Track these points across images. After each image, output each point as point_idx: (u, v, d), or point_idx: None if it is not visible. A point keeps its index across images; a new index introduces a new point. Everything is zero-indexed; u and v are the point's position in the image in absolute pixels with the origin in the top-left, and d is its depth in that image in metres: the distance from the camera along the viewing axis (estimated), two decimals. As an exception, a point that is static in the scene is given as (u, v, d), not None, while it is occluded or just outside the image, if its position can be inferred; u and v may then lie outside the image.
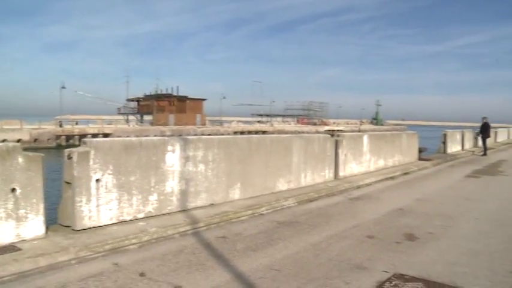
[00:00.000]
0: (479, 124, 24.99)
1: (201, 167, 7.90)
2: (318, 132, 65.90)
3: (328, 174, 11.83)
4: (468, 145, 26.49)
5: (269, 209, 8.44)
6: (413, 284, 4.85)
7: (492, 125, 25.59)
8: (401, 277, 5.06)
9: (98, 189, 6.31)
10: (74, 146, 7.62)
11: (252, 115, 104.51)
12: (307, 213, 8.41)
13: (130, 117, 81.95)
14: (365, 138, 14.06)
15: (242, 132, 65.02)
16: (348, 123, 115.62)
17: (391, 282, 4.90)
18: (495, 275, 5.22)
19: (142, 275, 4.99)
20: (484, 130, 24.15)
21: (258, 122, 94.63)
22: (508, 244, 6.59)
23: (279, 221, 7.71)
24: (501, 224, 7.92)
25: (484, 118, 24.36)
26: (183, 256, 5.67)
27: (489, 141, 33.08)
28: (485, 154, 23.55)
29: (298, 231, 7.03)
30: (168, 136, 7.83)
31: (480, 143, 24.49)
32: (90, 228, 6.19)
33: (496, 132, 37.87)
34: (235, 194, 8.67)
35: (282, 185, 9.95)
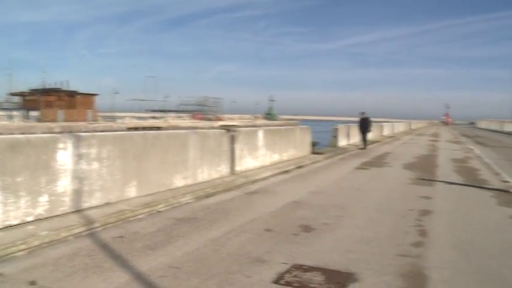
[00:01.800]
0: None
1: (95, 164, 7.62)
2: (212, 127, 66.00)
3: (225, 169, 11.94)
4: (357, 139, 28.13)
5: (167, 206, 8.36)
6: (311, 274, 5.08)
7: (377, 119, 27.29)
8: (300, 267, 5.28)
9: (-21, 192, 5.85)
10: None
11: (146, 111, 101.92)
12: (205, 209, 8.44)
13: (14, 113, 76.16)
14: (260, 133, 14.37)
15: (136, 128, 63.07)
16: (242, 119, 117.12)
17: (290, 273, 5.09)
18: (384, 259, 5.64)
19: (33, 283, 4.71)
20: (365, 125, 25.18)
21: (152, 117, 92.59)
22: (394, 230, 7.12)
23: (177, 217, 7.66)
24: (387, 212, 8.52)
25: (362, 113, 25.43)
26: (78, 259, 5.44)
27: (376, 134, 35.46)
28: (365, 148, 24.61)
29: (197, 228, 7.04)
30: (59, 133, 7.45)
31: (366, 137, 25.61)
32: (-30, 234, 5.73)
33: (381, 126, 40.72)
34: (132, 191, 8.47)
35: (178, 182, 9.89)
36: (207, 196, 9.60)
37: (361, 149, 24.44)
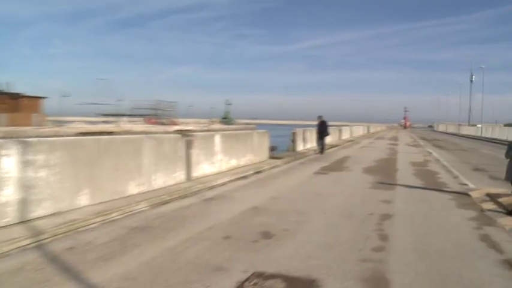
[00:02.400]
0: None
1: (43, 172, 7.34)
2: (167, 132, 65.24)
3: (180, 175, 11.81)
4: (315, 143, 28.39)
5: (121, 214, 8.16)
6: (272, 281, 5.04)
7: (335, 123, 27.57)
8: (261, 275, 5.23)
9: None
10: None
11: (97, 115, 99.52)
12: (160, 216, 8.30)
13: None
14: (217, 137, 14.30)
15: (86, 133, 61.55)
16: (198, 123, 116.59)
17: (250, 282, 5.03)
18: (346, 264, 5.67)
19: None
20: (323, 129, 24.85)
21: (103, 122, 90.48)
22: (355, 235, 7.18)
23: (131, 226, 7.48)
24: (348, 216, 8.60)
25: (319, 117, 25.09)
26: (23, 274, 5.19)
27: (334, 138, 35.86)
28: (322, 152, 24.34)
29: (153, 236, 6.89)
30: (1, 138, 7.14)
31: (324, 141, 25.32)
32: None
33: (340, 130, 41.35)
34: (83, 200, 8.22)
35: (132, 189, 9.69)
36: (163, 203, 9.45)
37: (319, 153, 24.36)
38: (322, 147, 24.93)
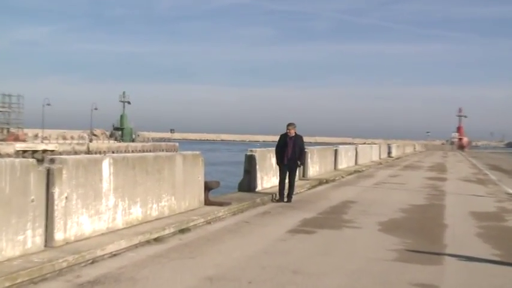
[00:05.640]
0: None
1: None
2: (6, 154, 64.32)
3: (34, 238, 11.04)
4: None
5: None
6: None
7: (327, 140, 26.98)
8: None
9: None
10: None
11: None
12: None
13: None
14: (106, 164, 13.61)
15: None
16: (66, 138, 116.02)
17: None
18: None
19: None
20: (294, 150, 22.24)
21: None
22: None
23: None
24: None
25: (290, 125, 22.56)
26: None
27: (324, 168, 35.33)
28: (282, 199, 22.31)
29: None
30: None
31: (294, 176, 23.01)
32: None
33: (336, 153, 41.01)
34: None
35: None
36: (-6, 297, 8.71)
37: (278, 201, 22.23)
38: (290, 186, 22.67)
